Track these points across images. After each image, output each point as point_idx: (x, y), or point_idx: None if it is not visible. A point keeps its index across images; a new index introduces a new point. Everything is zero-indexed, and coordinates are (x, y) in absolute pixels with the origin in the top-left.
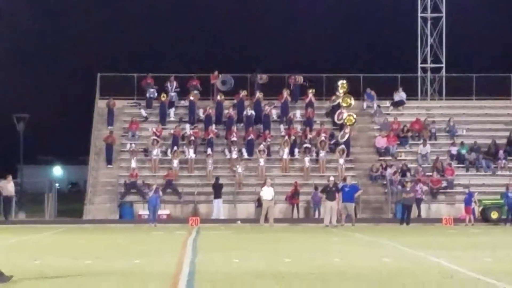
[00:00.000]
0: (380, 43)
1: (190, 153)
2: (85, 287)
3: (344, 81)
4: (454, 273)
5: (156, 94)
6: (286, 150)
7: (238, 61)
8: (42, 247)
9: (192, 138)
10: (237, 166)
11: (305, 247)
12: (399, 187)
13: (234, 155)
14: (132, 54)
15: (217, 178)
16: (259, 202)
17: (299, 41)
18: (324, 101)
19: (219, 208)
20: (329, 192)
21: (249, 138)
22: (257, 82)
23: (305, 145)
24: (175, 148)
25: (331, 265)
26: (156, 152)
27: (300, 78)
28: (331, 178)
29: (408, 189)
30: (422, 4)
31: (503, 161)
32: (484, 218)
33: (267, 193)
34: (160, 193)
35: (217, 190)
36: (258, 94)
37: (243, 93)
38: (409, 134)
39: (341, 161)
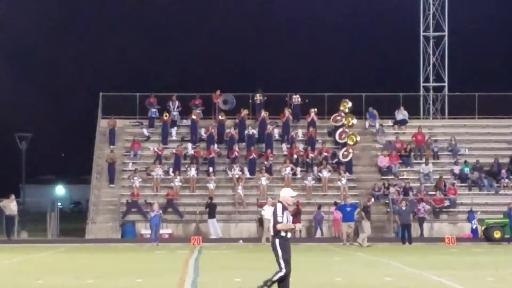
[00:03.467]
0: (382, 62)
1: (192, 172)
2: None
3: (347, 100)
4: None
5: (157, 114)
6: (288, 169)
7: (240, 81)
8: (45, 266)
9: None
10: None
11: (307, 266)
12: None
13: (237, 173)
14: (134, 74)
15: (211, 198)
16: (260, 221)
17: (301, 60)
18: (326, 120)
19: (216, 228)
20: (368, 212)
21: (251, 157)
22: (256, 102)
23: (307, 164)
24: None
25: (333, 284)
26: (158, 171)
27: (297, 99)
28: (373, 200)
29: (403, 208)
30: (424, 23)
31: (506, 180)
32: (487, 237)
33: (268, 212)
34: (161, 212)
35: (211, 210)
36: (263, 113)
37: (244, 112)
38: (412, 153)
39: (343, 180)
